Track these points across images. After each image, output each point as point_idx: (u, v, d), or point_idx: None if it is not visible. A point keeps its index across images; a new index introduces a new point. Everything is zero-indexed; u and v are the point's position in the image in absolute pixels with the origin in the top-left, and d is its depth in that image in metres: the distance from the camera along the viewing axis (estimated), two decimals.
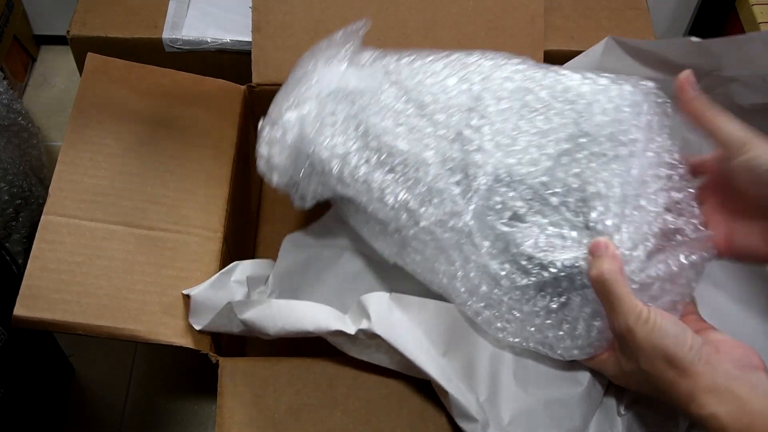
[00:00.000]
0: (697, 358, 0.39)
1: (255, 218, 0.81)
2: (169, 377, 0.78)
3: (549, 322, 0.48)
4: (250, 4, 0.72)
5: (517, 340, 0.50)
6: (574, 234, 0.47)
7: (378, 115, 0.52)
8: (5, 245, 0.65)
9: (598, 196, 0.46)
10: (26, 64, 1.04)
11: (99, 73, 0.66)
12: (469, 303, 0.50)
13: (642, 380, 0.43)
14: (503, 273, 0.48)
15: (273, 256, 0.78)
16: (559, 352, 0.49)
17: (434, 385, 0.48)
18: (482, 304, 0.50)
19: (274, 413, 0.50)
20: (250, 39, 0.72)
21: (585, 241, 0.46)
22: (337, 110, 0.54)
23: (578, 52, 0.74)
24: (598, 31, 0.75)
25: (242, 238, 0.73)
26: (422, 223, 0.50)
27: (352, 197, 0.53)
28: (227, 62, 0.77)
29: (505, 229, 0.48)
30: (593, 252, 0.43)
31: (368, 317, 0.49)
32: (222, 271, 0.57)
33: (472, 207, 0.48)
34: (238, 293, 0.57)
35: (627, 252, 0.44)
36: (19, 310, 0.54)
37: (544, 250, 0.46)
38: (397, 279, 0.57)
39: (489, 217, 0.48)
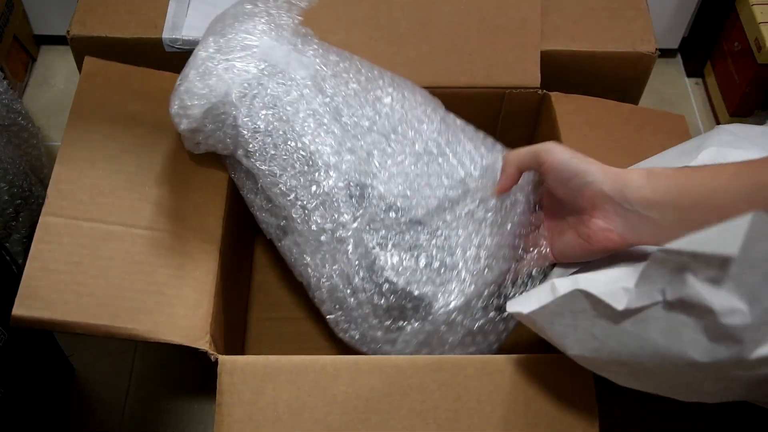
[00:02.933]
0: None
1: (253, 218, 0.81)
2: (169, 377, 0.77)
3: (388, 336, 0.56)
4: None
5: (358, 341, 0.57)
6: (432, 271, 0.55)
7: (296, 106, 0.58)
8: (5, 245, 0.65)
9: (459, 246, 0.55)
10: (26, 64, 1.04)
11: (96, 77, 0.66)
12: (325, 304, 0.58)
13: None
14: (363, 288, 0.55)
15: (271, 256, 0.78)
16: (394, 351, 0.56)
17: None
18: (336, 306, 0.57)
19: (274, 412, 0.50)
20: None
21: (437, 280, 0.54)
22: (269, 86, 0.58)
23: (578, 52, 0.75)
24: (598, 31, 0.75)
25: (240, 237, 0.73)
26: (312, 225, 0.56)
27: (254, 172, 0.58)
28: None
29: (377, 250, 0.55)
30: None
31: None
32: None
33: (356, 224, 0.55)
34: None
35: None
36: (19, 309, 0.54)
37: (404, 278, 0.54)
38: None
39: (366, 236, 0.55)
